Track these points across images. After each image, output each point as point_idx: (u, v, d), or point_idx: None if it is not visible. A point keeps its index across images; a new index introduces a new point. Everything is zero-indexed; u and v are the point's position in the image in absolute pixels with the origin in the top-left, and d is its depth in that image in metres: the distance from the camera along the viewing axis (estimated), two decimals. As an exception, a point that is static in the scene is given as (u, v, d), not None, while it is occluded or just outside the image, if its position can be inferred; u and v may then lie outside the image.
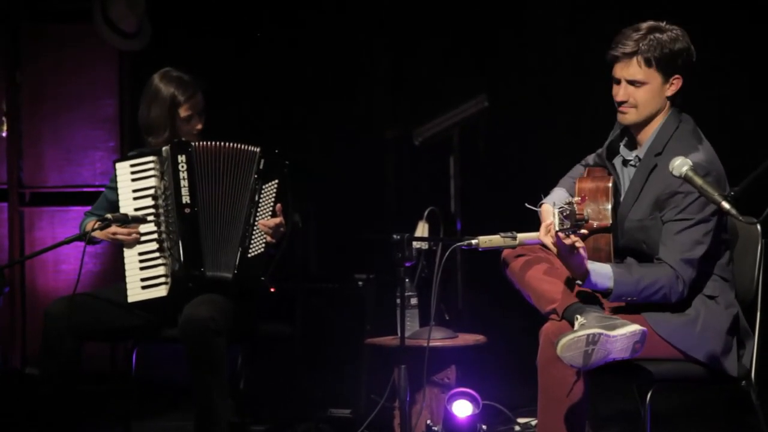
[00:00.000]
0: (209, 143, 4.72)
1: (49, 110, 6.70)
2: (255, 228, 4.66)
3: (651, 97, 3.93)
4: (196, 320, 4.47)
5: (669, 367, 3.85)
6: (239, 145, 4.72)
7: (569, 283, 3.88)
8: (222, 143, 4.72)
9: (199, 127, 4.83)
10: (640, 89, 3.92)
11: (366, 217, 6.48)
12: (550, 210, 3.85)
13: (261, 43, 6.83)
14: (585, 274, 3.75)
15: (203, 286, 4.63)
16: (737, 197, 3.55)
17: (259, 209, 4.68)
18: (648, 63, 3.89)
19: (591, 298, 3.84)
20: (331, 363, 5.47)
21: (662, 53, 3.87)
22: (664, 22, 3.94)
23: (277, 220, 4.65)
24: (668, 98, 3.95)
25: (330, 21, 6.80)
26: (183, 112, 4.81)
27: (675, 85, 3.93)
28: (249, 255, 4.66)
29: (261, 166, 4.70)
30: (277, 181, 4.70)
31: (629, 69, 3.91)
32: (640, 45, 3.88)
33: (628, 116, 3.97)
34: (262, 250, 4.66)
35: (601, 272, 3.78)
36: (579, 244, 3.67)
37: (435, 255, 4.69)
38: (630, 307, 3.88)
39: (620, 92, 3.95)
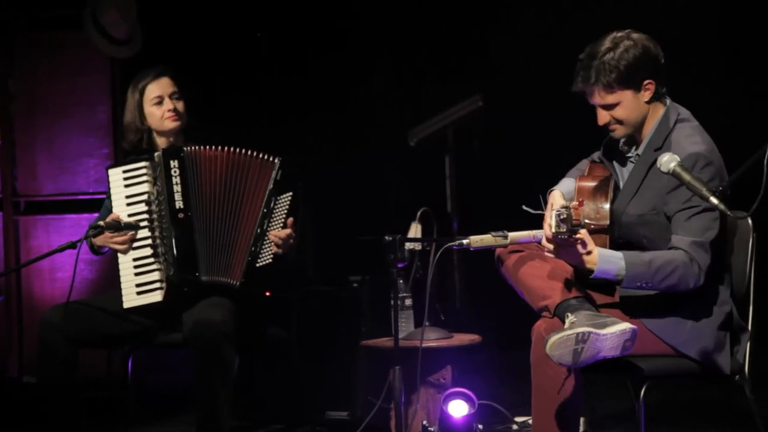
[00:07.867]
0: (204, 148, 4.69)
1: (42, 118, 6.69)
2: (266, 238, 4.64)
3: (631, 111, 3.90)
4: (209, 324, 4.45)
5: (661, 364, 3.84)
6: (252, 153, 4.67)
7: (566, 281, 3.86)
8: (223, 148, 4.68)
9: (171, 107, 4.77)
10: (617, 109, 3.90)
11: (362, 219, 6.46)
12: (558, 198, 3.89)
13: (255, 48, 6.82)
14: (593, 264, 3.70)
15: (201, 290, 4.62)
16: (726, 192, 3.54)
17: (272, 219, 4.65)
18: (610, 88, 3.85)
19: (585, 296, 3.83)
20: (327, 365, 5.46)
21: (619, 72, 3.83)
22: (618, 32, 3.88)
23: (288, 231, 4.63)
24: (649, 102, 3.91)
25: (327, 26, 6.81)
26: (151, 94, 4.78)
27: (649, 90, 3.89)
28: (257, 264, 4.64)
29: (278, 177, 4.68)
30: (291, 193, 4.68)
31: (596, 98, 3.90)
32: (593, 75, 3.84)
33: (619, 131, 3.95)
34: (270, 260, 4.64)
35: (610, 256, 3.73)
36: (582, 236, 3.64)
37: (429, 255, 4.68)
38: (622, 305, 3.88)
39: (600, 117, 3.94)
